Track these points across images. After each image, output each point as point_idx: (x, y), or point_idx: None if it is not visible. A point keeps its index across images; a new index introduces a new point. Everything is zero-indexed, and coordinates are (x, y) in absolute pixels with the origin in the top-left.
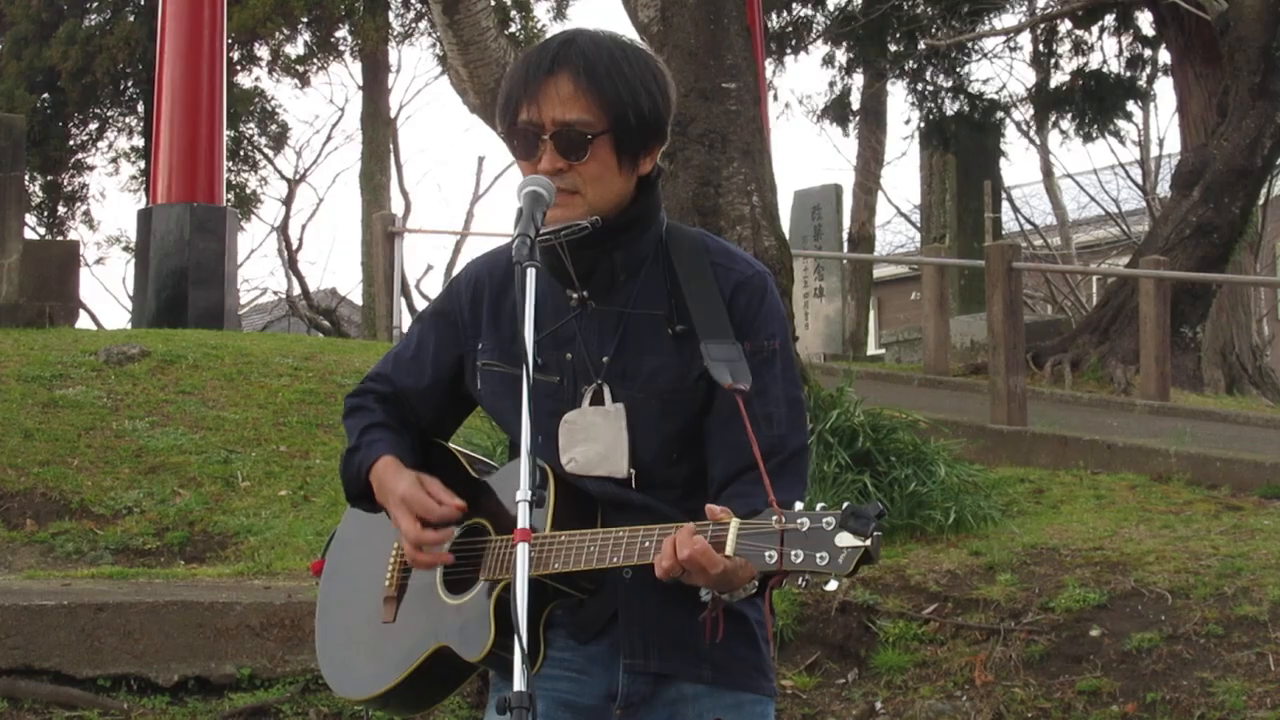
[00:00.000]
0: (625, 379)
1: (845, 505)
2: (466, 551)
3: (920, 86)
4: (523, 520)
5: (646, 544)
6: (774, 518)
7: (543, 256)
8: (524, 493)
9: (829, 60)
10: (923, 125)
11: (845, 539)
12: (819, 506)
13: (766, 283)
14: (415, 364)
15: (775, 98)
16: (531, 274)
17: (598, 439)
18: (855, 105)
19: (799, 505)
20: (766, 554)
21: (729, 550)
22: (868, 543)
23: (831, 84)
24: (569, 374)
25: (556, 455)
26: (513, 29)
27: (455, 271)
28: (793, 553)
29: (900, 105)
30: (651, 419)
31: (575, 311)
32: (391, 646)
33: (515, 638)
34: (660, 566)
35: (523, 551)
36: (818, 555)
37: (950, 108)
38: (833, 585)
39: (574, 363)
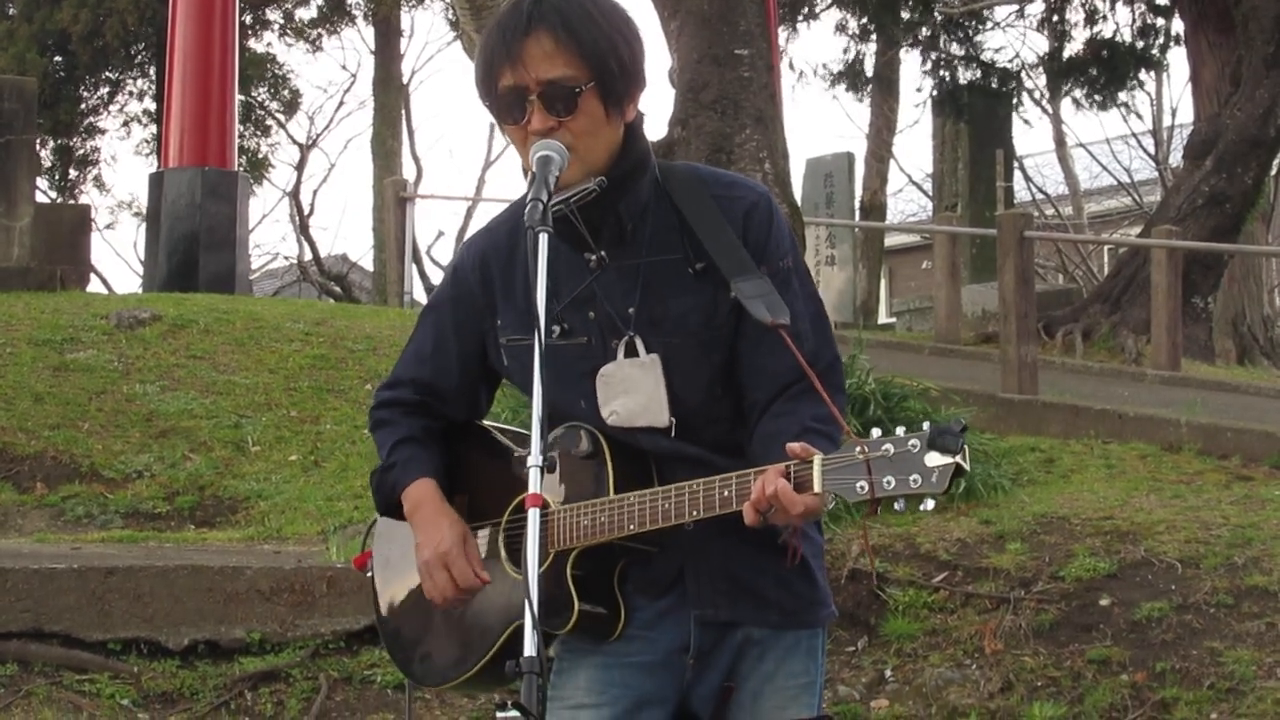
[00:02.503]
0: (654, 327)
1: (927, 425)
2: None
3: (933, 54)
4: (534, 486)
5: (726, 493)
6: (856, 449)
7: (553, 223)
8: (535, 458)
9: (842, 27)
10: (935, 93)
11: (935, 458)
12: (899, 431)
13: (771, 203)
14: (438, 358)
15: (790, 65)
16: (544, 239)
17: (636, 390)
18: (868, 72)
19: (877, 432)
20: (857, 485)
21: (816, 487)
22: (958, 458)
23: (844, 51)
24: (596, 332)
25: (599, 415)
26: None
27: (461, 243)
28: (884, 480)
29: (913, 73)
30: (690, 362)
31: (594, 272)
32: (467, 631)
33: (526, 605)
34: (749, 515)
35: (534, 517)
36: (910, 479)
37: (963, 76)
38: (929, 504)
39: (599, 320)
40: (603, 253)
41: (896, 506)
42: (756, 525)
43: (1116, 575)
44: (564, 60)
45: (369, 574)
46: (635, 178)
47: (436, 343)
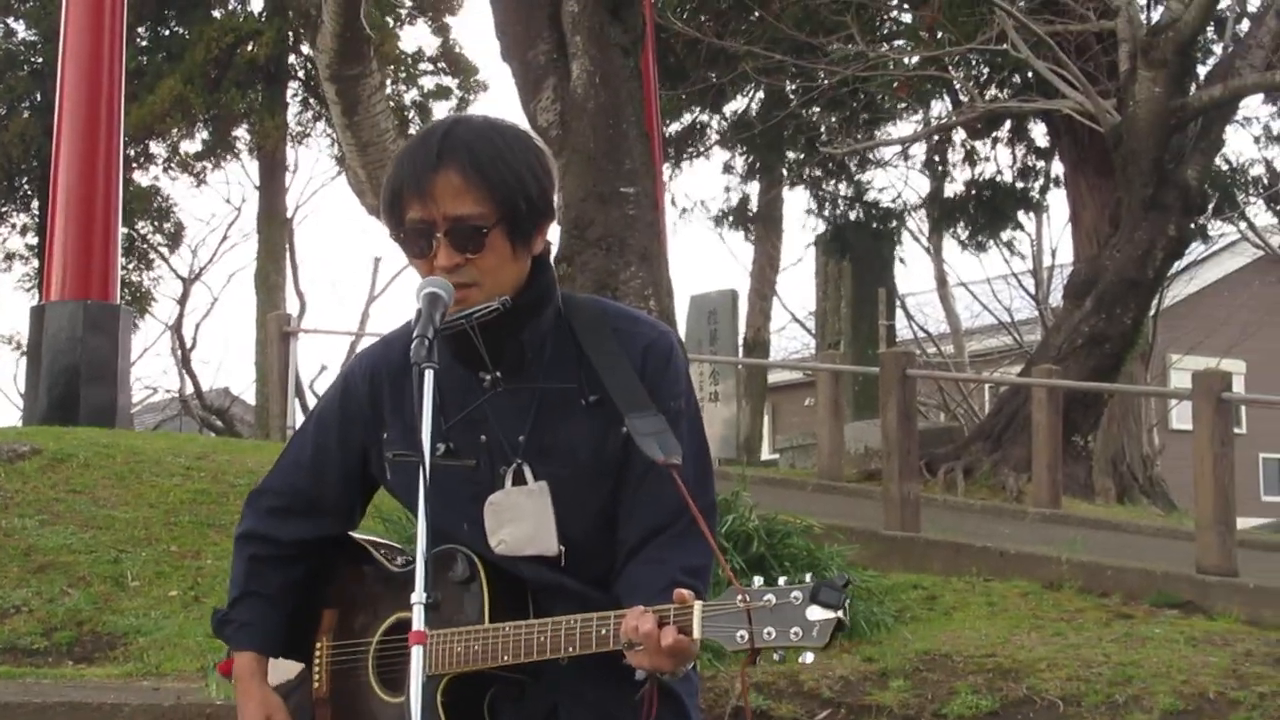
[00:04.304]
0: (543, 456)
1: (809, 578)
2: (398, 647)
3: (817, 194)
4: (418, 623)
5: (603, 631)
6: (738, 597)
7: (450, 340)
8: (419, 595)
9: (728, 167)
10: (819, 232)
11: (817, 612)
12: (781, 581)
13: (672, 343)
14: (318, 466)
15: (673, 203)
16: (430, 376)
17: (525, 518)
18: (752, 211)
19: (758, 581)
20: (738, 634)
21: (696, 634)
22: (840, 614)
23: (728, 190)
24: (484, 456)
25: (483, 540)
26: (412, 130)
27: (353, 355)
28: (764, 630)
29: (797, 212)
30: (577, 492)
31: (487, 393)
32: None
33: None
34: (638, 660)
35: (417, 655)
36: (791, 631)
37: (847, 215)
38: (809, 657)
39: (489, 444)
40: (498, 374)
41: (775, 657)
42: (639, 665)
43: (999, 713)
44: (472, 198)
45: (233, 681)
46: (540, 308)
47: (317, 451)
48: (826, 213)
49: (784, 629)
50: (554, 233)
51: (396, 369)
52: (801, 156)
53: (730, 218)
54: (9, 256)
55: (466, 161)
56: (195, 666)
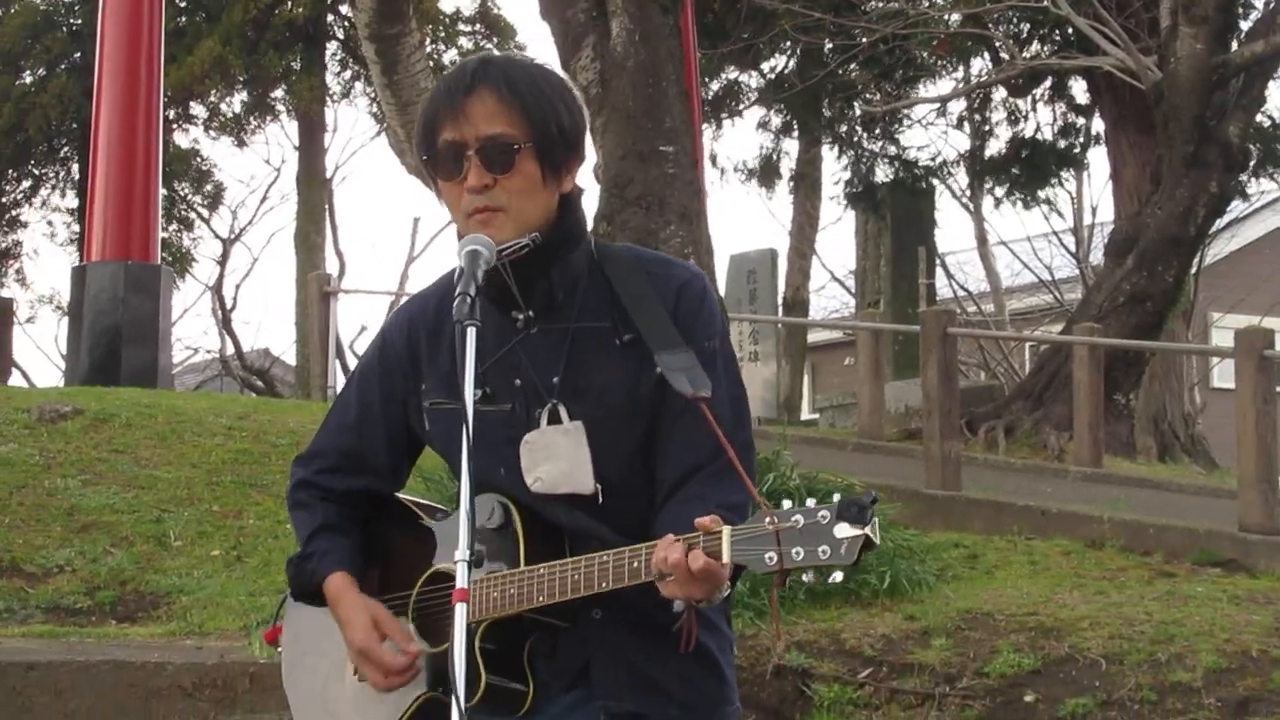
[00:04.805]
0: (578, 396)
1: (837, 497)
2: (437, 598)
3: (855, 152)
4: (461, 580)
5: (635, 564)
6: (766, 520)
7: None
8: (462, 552)
9: (764, 125)
10: (857, 190)
11: (844, 529)
12: (809, 502)
13: (704, 284)
14: (364, 426)
15: (713, 162)
16: (472, 333)
17: (561, 456)
18: (788, 169)
19: (786, 504)
20: (766, 556)
21: (725, 558)
22: (867, 530)
23: (766, 148)
24: (520, 399)
25: (520, 481)
26: None
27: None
28: (793, 550)
29: (835, 170)
30: (611, 433)
31: (520, 335)
32: (373, 704)
33: (454, 700)
34: (670, 590)
35: (460, 612)
36: (819, 550)
37: (885, 173)
38: (838, 576)
39: (524, 387)
40: (531, 313)
41: (805, 578)
42: (673, 596)
43: (1041, 671)
44: (505, 119)
45: (279, 648)
46: (569, 248)
47: (362, 411)
48: (864, 171)
49: (812, 548)
50: (592, 190)
51: (433, 321)
52: (838, 114)
53: (766, 176)
54: (50, 219)
55: (501, 82)
56: (238, 625)
